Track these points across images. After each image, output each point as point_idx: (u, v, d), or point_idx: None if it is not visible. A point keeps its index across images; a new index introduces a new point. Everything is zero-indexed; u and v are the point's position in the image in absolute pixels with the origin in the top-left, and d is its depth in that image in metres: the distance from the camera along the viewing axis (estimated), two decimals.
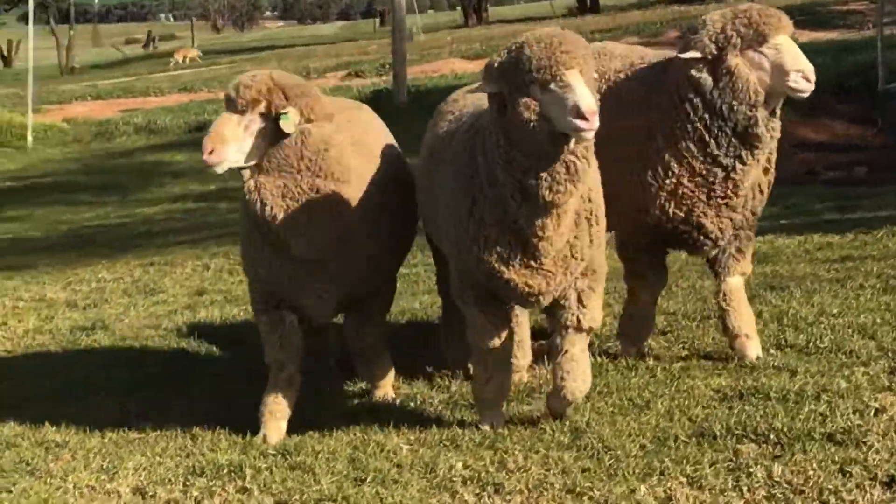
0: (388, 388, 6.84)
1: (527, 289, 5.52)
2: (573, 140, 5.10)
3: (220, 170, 5.74)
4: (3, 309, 10.12)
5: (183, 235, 13.38)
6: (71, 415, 7.01)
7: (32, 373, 8.09)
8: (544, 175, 5.14)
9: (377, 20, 70.39)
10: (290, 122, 5.79)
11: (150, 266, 11.48)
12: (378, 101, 21.82)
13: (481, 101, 5.59)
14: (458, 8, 60.14)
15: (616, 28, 34.37)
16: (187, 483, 5.73)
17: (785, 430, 5.43)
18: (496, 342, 5.85)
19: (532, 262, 5.44)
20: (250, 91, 5.74)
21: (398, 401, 6.71)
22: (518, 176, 5.20)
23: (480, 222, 5.42)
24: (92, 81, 38.34)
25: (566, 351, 5.73)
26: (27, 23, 57.60)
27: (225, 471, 5.82)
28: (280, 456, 5.95)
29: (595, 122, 4.95)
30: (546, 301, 5.68)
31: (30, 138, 23.28)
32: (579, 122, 4.95)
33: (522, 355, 6.58)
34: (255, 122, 5.77)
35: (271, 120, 5.79)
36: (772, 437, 5.41)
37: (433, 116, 6.42)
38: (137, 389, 7.46)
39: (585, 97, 4.96)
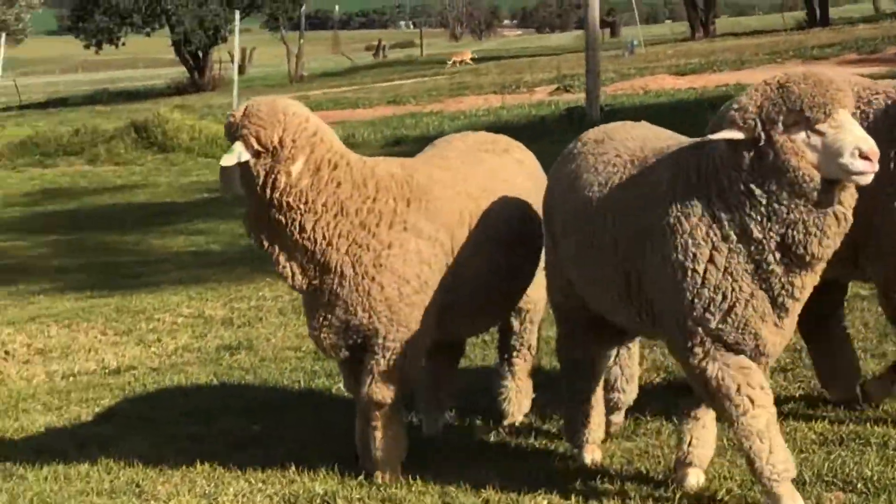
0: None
1: (770, 346, 5.00)
2: (844, 186, 4.68)
3: (225, 198, 5.80)
4: (161, 325, 10.40)
5: None
6: (192, 435, 7.20)
7: (167, 392, 8.28)
8: (813, 228, 4.69)
9: (608, 31, 69.68)
10: (230, 155, 5.76)
11: None
12: (570, 119, 21.68)
13: (637, 142, 5.44)
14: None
15: (838, 44, 33.37)
16: None
17: (875, 478, 5.21)
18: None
19: (777, 319, 4.95)
20: (234, 124, 5.78)
21: (491, 435, 6.63)
22: (780, 230, 4.73)
23: (725, 274, 4.86)
24: (315, 90, 39.03)
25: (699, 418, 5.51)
26: (269, 30, 59.53)
27: (318, 500, 5.87)
28: (374, 488, 5.95)
29: (877, 164, 4.62)
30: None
31: None
32: (861, 164, 4.60)
33: (631, 390, 6.39)
34: (242, 154, 5.77)
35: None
36: (860, 485, 5.21)
37: (559, 163, 5.89)
38: (261, 411, 7.56)
39: (865, 136, 4.60)
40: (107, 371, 8.96)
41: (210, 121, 26.10)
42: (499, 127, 22.67)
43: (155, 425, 7.49)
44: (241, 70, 59.92)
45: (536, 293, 6.64)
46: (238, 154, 5.70)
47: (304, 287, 5.94)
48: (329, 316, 5.97)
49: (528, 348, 6.83)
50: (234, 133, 5.72)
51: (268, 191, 5.73)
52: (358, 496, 5.88)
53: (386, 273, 5.90)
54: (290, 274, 5.91)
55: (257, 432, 7.18)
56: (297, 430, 7.14)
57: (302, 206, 5.77)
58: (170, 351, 9.46)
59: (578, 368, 5.87)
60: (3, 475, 6.67)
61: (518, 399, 6.81)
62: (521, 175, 6.54)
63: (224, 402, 7.86)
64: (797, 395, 6.65)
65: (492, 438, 6.65)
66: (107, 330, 10.34)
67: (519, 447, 6.38)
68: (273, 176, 5.72)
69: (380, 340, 5.99)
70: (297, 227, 5.79)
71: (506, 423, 6.80)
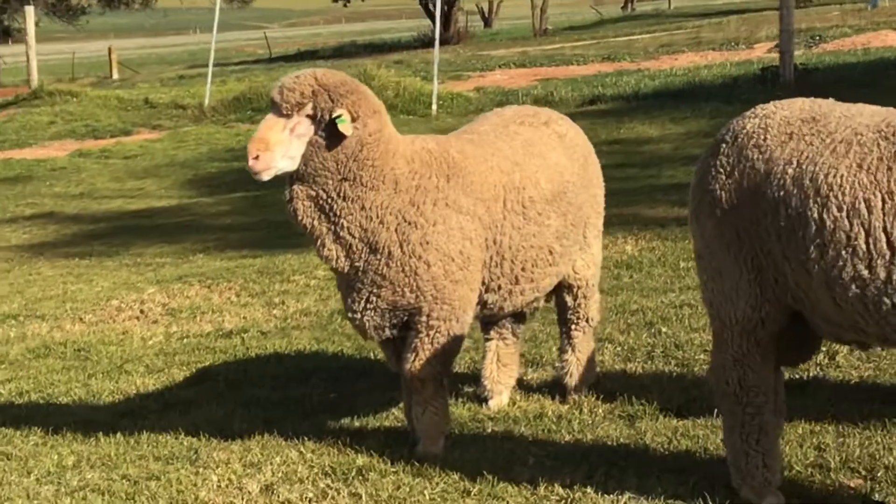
0: None
1: None
2: None
3: (266, 177, 5.57)
4: (294, 287, 10.52)
5: None
6: (269, 401, 7.33)
7: (264, 356, 8.41)
8: None
9: None
10: (346, 125, 5.58)
11: None
12: (763, 80, 20.94)
13: (867, 116, 4.73)
14: None
15: None
16: (314, 483, 5.83)
17: None
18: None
19: None
20: (294, 94, 5.55)
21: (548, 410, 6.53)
22: None
23: None
24: (555, 44, 38.68)
25: None
26: None
27: (354, 472, 5.90)
28: (411, 463, 5.97)
29: None
30: None
31: (434, 107, 23.97)
32: None
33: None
34: (302, 125, 5.58)
35: (318, 122, 5.59)
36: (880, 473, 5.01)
37: (708, 157, 5.06)
38: (344, 378, 7.62)
39: None
40: (220, 333, 9.14)
41: (417, 78, 26.22)
42: (692, 87, 22.29)
43: (239, 390, 7.63)
44: (488, 23, 60.20)
45: (587, 271, 6.68)
46: (349, 122, 5.60)
47: (347, 269, 5.86)
48: (373, 298, 5.91)
49: (587, 320, 6.79)
50: (332, 100, 5.57)
51: (350, 164, 5.64)
52: (393, 469, 5.91)
53: (432, 251, 5.86)
54: (335, 256, 5.81)
55: (331, 400, 7.24)
56: (369, 397, 7.17)
57: (371, 181, 5.72)
58: (289, 314, 9.57)
59: (754, 396, 5.06)
60: (82, 437, 6.88)
61: (579, 372, 6.76)
62: (558, 148, 6.45)
63: (313, 368, 7.94)
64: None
65: (548, 413, 6.57)
66: (241, 291, 10.54)
67: (560, 429, 6.29)
68: (361, 148, 5.66)
69: (424, 318, 5.96)
70: (359, 205, 5.71)
71: (569, 397, 6.74)
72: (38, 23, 36.96)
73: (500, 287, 6.20)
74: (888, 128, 4.60)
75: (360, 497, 5.66)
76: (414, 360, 6.02)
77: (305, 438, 6.45)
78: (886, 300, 4.48)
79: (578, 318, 6.77)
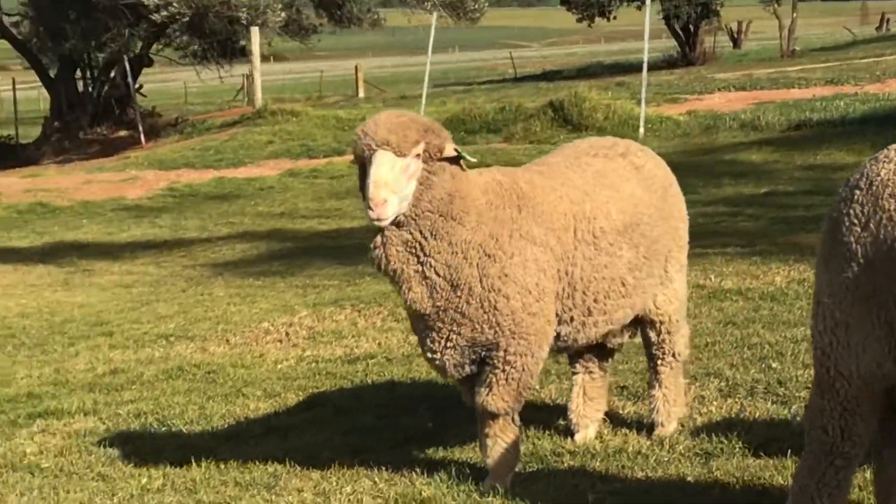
0: None
1: None
2: None
3: (388, 223, 5.47)
4: None
5: None
6: (368, 428, 7.36)
7: (380, 383, 8.46)
8: None
9: None
10: (467, 157, 5.62)
11: None
12: None
13: None
14: None
15: None
16: None
17: None
18: None
19: None
20: (411, 132, 5.45)
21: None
22: None
23: None
24: (797, 66, 37.85)
25: None
26: (760, 1, 57.44)
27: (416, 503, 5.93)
28: (474, 495, 5.95)
29: None
30: None
31: (641, 130, 23.68)
32: None
33: None
34: (413, 166, 5.47)
35: (427, 161, 5.50)
36: None
37: (841, 203, 4.71)
38: (448, 407, 7.58)
39: None
40: (347, 359, 9.20)
41: (626, 100, 25.98)
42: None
43: (345, 417, 7.67)
44: (737, 44, 59.21)
45: (668, 306, 6.53)
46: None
47: (429, 309, 5.77)
48: (453, 336, 5.83)
49: (673, 356, 6.63)
50: (440, 136, 5.55)
51: (447, 198, 5.56)
52: (454, 502, 5.90)
53: (510, 284, 5.78)
54: (419, 298, 5.71)
55: (428, 429, 7.21)
56: (465, 428, 7.08)
57: (459, 215, 5.66)
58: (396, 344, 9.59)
59: (850, 447, 4.83)
60: (179, 460, 7.03)
61: (667, 408, 6.62)
62: (632, 180, 6.31)
63: (422, 396, 7.93)
64: None
65: (629, 448, 6.44)
66: (388, 316, 10.60)
67: (634, 465, 6.17)
68: (455, 182, 5.62)
69: (501, 353, 5.89)
70: (447, 241, 5.64)
71: (655, 433, 6.62)
72: (269, 43, 38.11)
73: (572, 319, 6.07)
74: None
75: None
76: (487, 394, 5.95)
77: (385, 468, 6.46)
78: None
79: (664, 354, 6.60)
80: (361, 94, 43.90)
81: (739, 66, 42.52)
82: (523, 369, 5.91)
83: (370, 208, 5.38)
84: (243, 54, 35.92)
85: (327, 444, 7.11)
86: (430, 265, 5.63)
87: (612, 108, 24.35)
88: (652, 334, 6.57)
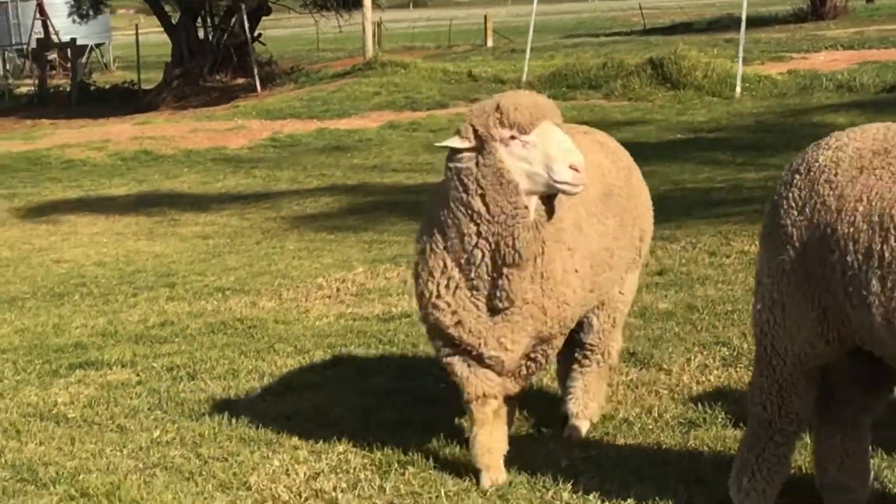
0: None
1: None
2: None
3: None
4: None
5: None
6: (381, 390, 7.61)
7: (406, 343, 8.63)
8: None
9: None
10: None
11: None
12: None
13: None
14: None
15: None
16: (354, 473, 6.16)
17: None
18: None
19: None
20: None
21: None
22: None
23: None
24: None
25: None
26: None
27: (395, 465, 6.21)
28: (447, 463, 6.18)
29: None
30: None
31: (738, 88, 23.40)
32: None
33: None
34: None
35: None
36: None
37: (782, 187, 4.86)
38: None
39: None
40: (384, 317, 9.41)
41: (727, 58, 25.65)
42: None
43: (365, 377, 7.89)
44: None
45: (625, 297, 6.47)
46: None
47: (518, 301, 5.63)
48: (522, 333, 5.72)
49: (603, 354, 6.48)
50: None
51: None
52: (434, 465, 6.16)
53: (576, 277, 5.80)
54: (518, 294, 5.61)
55: (441, 390, 7.36)
56: None
57: None
58: None
59: (787, 424, 4.98)
60: (196, 414, 7.32)
61: (585, 400, 6.49)
62: (598, 152, 6.21)
63: None
64: None
65: (618, 416, 6.65)
66: None
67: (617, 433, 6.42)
68: None
69: (547, 346, 5.91)
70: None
71: (567, 431, 6.54)
72: None
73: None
74: None
75: (385, 490, 5.90)
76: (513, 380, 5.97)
77: (387, 429, 6.69)
78: None
79: (598, 344, 6.42)
80: (490, 43, 43.61)
81: (871, 20, 41.42)
82: (549, 358, 6.07)
83: (576, 178, 5.33)
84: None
85: (340, 403, 7.34)
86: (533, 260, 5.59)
87: (712, 67, 24.13)
88: (596, 321, 6.37)
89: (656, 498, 5.46)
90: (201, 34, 38.01)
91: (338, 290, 10.60)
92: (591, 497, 5.57)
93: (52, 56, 45.60)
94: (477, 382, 5.87)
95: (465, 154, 5.43)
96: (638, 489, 5.60)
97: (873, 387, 5.02)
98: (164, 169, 21.42)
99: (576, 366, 6.47)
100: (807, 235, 4.70)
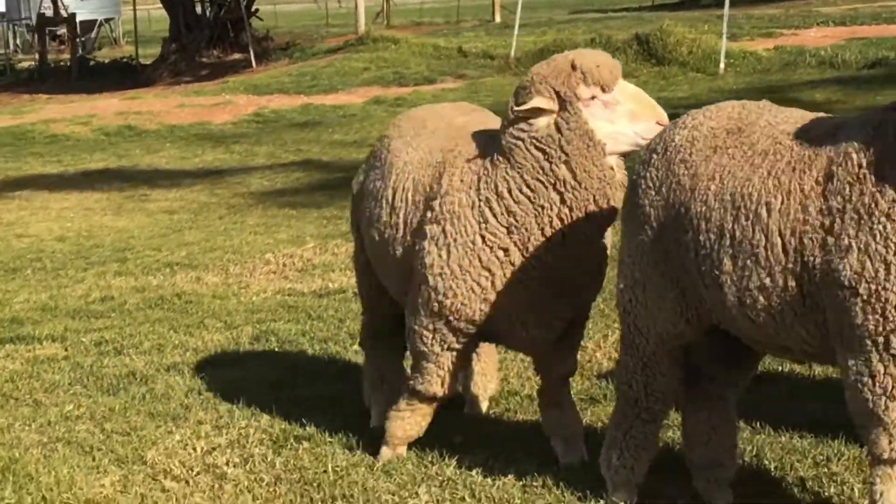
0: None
1: None
2: None
3: None
4: None
5: None
6: (309, 364, 7.58)
7: (339, 318, 8.63)
8: None
9: None
10: None
11: None
12: None
13: (791, 123, 4.54)
14: None
15: None
16: (249, 449, 6.19)
17: None
18: None
19: None
20: None
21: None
22: None
23: None
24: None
25: None
26: None
27: (291, 442, 6.24)
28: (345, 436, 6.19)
29: None
30: None
31: (722, 65, 23.32)
32: None
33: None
34: None
35: None
36: None
37: (640, 167, 4.88)
38: None
39: None
40: (319, 293, 9.44)
41: (713, 35, 25.55)
42: None
43: (287, 353, 7.94)
44: None
45: None
46: None
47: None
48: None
49: None
50: None
51: None
52: (329, 440, 6.19)
53: None
54: None
55: (353, 367, 7.40)
56: None
57: None
58: None
59: (654, 402, 5.01)
60: (113, 390, 7.37)
61: (483, 382, 6.53)
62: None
63: None
64: None
65: (525, 391, 6.72)
66: None
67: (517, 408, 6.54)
68: None
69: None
70: None
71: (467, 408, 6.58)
72: None
73: None
74: (806, 134, 4.45)
75: (274, 465, 5.93)
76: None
77: (292, 404, 6.73)
78: (788, 310, 4.37)
79: None
80: (498, 18, 43.33)
81: None
82: None
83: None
84: None
85: (254, 378, 7.39)
86: None
87: (697, 43, 24.02)
88: None
89: (535, 474, 5.48)
90: (199, 10, 37.96)
91: (284, 265, 10.65)
92: (473, 473, 5.59)
93: (62, 31, 45.59)
94: (450, 384, 5.66)
95: (541, 120, 5.18)
96: (522, 464, 5.62)
97: (737, 364, 5.05)
98: (146, 144, 21.45)
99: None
100: (663, 215, 4.72)
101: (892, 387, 4.20)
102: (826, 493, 5.16)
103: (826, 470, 5.35)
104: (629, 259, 4.90)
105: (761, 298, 4.40)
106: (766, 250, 4.35)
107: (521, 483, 5.44)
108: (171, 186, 16.62)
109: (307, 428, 6.33)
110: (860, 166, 4.19)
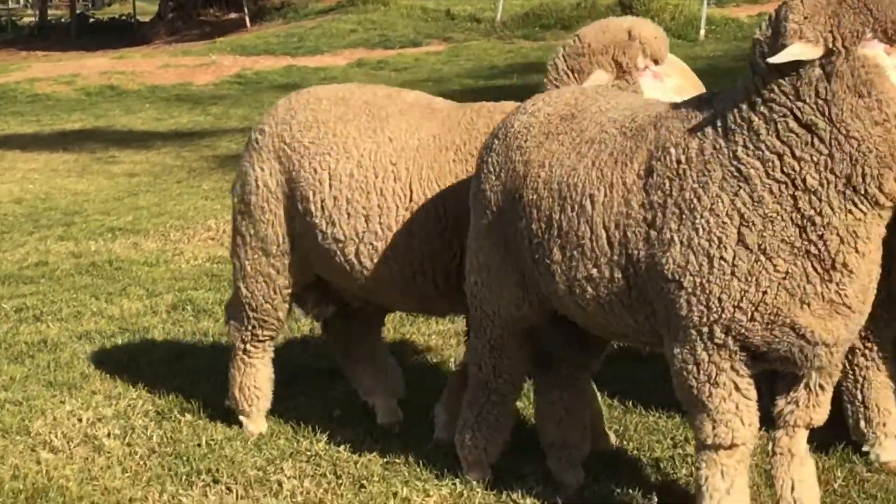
0: None
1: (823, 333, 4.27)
2: None
3: None
4: None
5: None
6: (212, 332, 7.65)
7: None
8: None
9: None
10: None
11: None
12: None
13: (625, 111, 4.55)
14: None
15: None
16: (130, 419, 6.26)
17: None
18: None
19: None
20: None
21: None
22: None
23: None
24: None
25: None
26: None
27: (164, 414, 6.31)
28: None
29: None
30: None
31: (702, 31, 23.24)
32: None
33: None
34: None
35: None
36: None
37: (483, 151, 4.95)
38: None
39: None
40: None
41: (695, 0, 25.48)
42: None
43: (196, 322, 8.00)
44: None
45: None
46: None
47: None
48: None
49: None
50: None
51: None
52: (206, 413, 6.24)
53: None
54: None
55: None
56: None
57: None
58: None
59: (503, 384, 5.08)
60: (25, 356, 7.43)
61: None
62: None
63: None
64: None
65: None
66: None
67: None
68: None
69: None
70: None
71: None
72: None
73: None
74: (631, 123, 4.46)
75: (151, 438, 5.97)
76: None
77: (187, 376, 6.80)
78: (616, 301, 4.42)
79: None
80: None
81: None
82: None
83: None
84: None
85: (159, 348, 7.47)
86: None
87: (680, 9, 23.95)
88: None
89: (397, 451, 5.53)
90: None
91: (224, 232, 10.66)
92: (341, 449, 5.64)
93: None
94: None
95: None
96: (389, 442, 5.68)
97: (587, 346, 5.08)
98: (126, 104, 21.51)
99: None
100: (502, 201, 4.76)
101: (716, 375, 4.25)
102: (677, 475, 5.21)
103: (681, 451, 5.39)
104: (475, 243, 4.94)
105: (589, 289, 4.45)
106: (592, 242, 4.39)
107: (384, 460, 5.49)
108: (140, 148, 16.68)
109: (194, 400, 6.37)
110: (679, 162, 4.20)
